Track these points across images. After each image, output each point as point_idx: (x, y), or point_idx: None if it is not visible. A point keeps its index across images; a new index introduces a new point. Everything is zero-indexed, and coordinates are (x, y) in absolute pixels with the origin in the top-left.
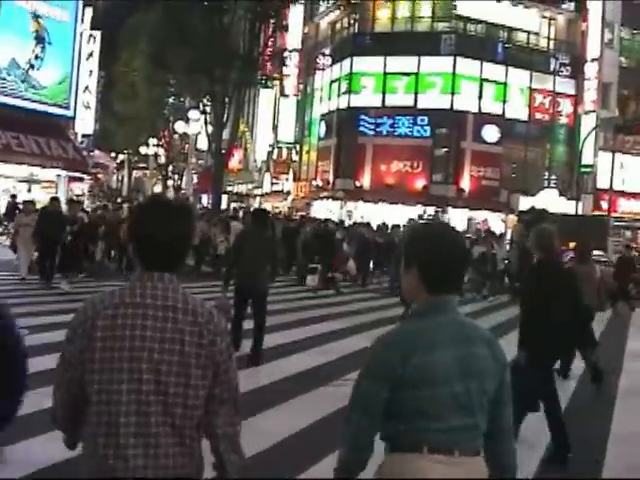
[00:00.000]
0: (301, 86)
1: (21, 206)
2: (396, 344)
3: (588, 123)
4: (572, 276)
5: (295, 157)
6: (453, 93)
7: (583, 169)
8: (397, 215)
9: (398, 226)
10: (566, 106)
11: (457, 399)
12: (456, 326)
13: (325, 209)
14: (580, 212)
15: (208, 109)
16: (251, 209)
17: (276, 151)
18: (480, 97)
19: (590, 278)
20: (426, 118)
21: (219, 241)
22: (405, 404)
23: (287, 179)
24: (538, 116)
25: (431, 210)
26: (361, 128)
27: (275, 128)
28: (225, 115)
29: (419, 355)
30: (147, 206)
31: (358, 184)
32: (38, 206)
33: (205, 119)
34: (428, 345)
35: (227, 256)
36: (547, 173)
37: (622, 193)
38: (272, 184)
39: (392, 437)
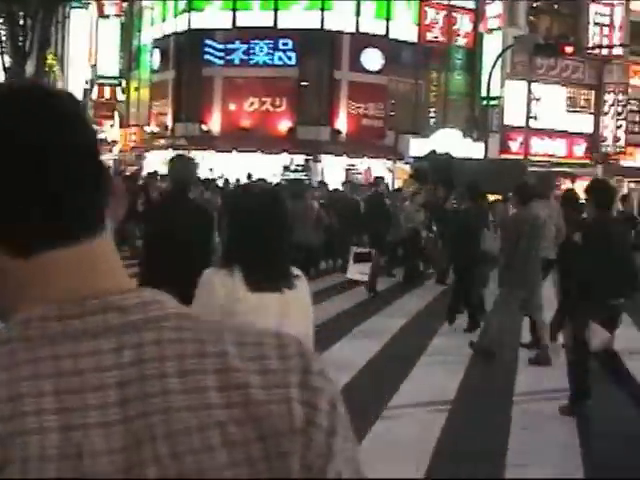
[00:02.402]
0: (125, 4)
1: None
2: None
3: (492, 44)
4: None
5: (121, 96)
6: (323, 9)
7: (487, 102)
8: (257, 166)
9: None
10: (464, 23)
11: None
12: None
13: (161, 161)
14: (488, 156)
15: (4, 35)
16: None
17: (96, 89)
18: (358, 13)
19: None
20: (290, 42)
21: None
22: None
23: (112, 125)
24: (430, 36)
25: (300, 159)
26: (206, 56)
27: (94, 60)
28: (27, 43)
29: None
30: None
31: (205, 129)
32: None
33: (0, 48)
34: None
35: None
36: (444, 108)
37: (534, 131)
38: None
39: None
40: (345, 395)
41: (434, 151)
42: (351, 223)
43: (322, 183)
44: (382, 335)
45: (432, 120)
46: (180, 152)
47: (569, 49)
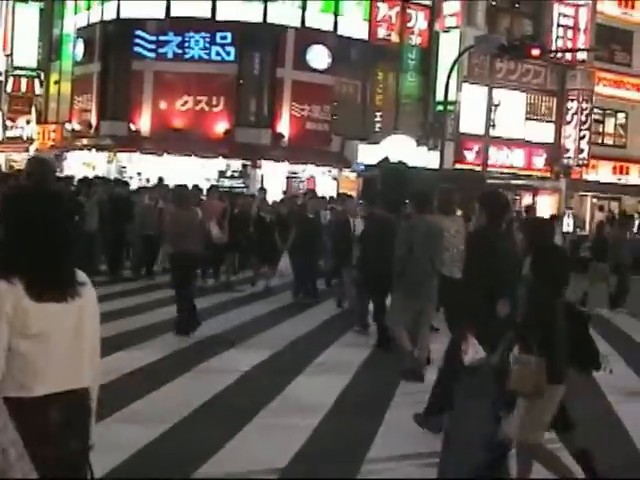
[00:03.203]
0: None
1: None
2: None
3: (448, 44)
4: None
5: (39, 90)
6: (266, 1)
7: (445, 107)
8: (190, 171)
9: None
10: (419, 20)
11: None
12: None
13: (83, 162)
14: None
15: None
16: None
17: (11, 81)
18: (304, 7)
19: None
20: (229, 35)
21: None
22: None
23: (28, 121)
24: (381, 34)
25: (238, 164)
26: (136, 49)
27: (9, 49)
28: None
29: None
30: None
31: (133, 128)
32: None
33: None
34: None
35: None
36: (395, 112)
37: (492, 140)
38: (6, 128)
39: None
40: None
41: (387, 159)
42: (312, 243)
43: (262, 190)
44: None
45: (378, 125)
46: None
47: (536, 52)
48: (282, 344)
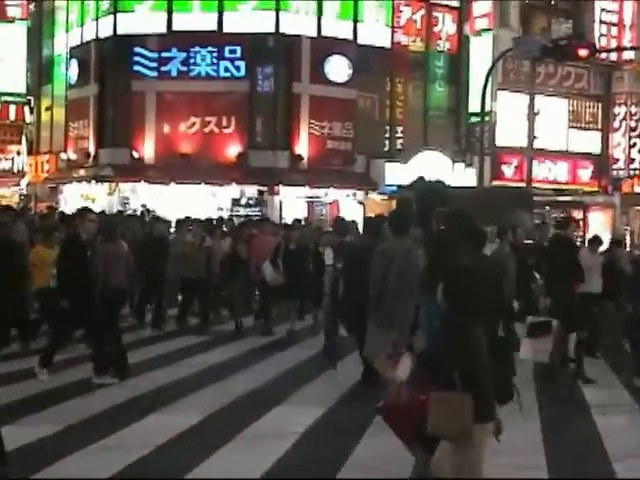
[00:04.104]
0: (32, 5)
1: None
2: None
3: (480, 49)
4: None
5: (29, 117)
6: (278, 9)
7: (482, 118)
8: (201, 200)
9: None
10: (447, 24)
11: None
12: None
13: (82, 195)
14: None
15: None
16: None
17: None
18: (320, 14)
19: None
20: (238, 49)
21: None
22: None
23: (19, 152)
24: (405, 40)
25: (253, 190)
26: (136, 67)
27: None
28: None
29: None
30: None
31: (136, 156)
32: None
33: None
34: None
35: None
36: (423, 126)
37: (533, 152)
38: None
39: None
40: None
41: (422, 178)
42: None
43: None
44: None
45: (400, 141)
46: None
47: (584, 52)
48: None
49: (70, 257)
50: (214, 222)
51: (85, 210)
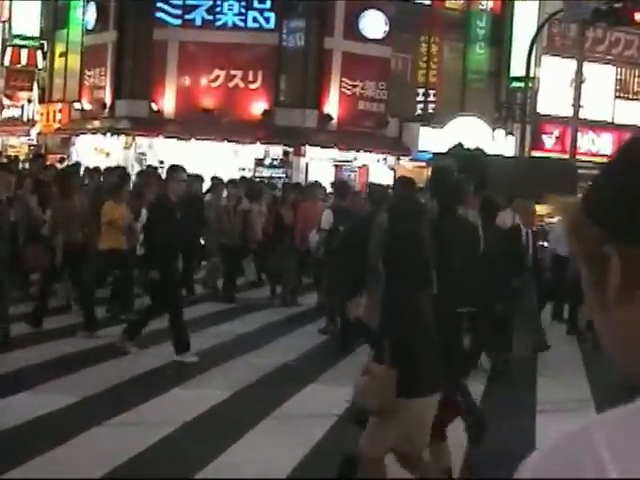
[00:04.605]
0: None
1: None
2: None
3: (525, 9)
4: None
5: (42, 63)
6: None
7: (519, 83)
8: (222, 159)
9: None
10: None
11: None
12: None
13: (95, 148)
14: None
15: None
16: None
17: (9, 52)
18: None
19: None
20: None
21: None
22: None
23: (29, 99)
24: None
25: (278, 150)
26: (159, 14)
27: (7, 14)
28: None
29: None
30: None
31: (155, 108)
32: None
33: None
34: None
35: None
36: (462, 90)
37: (578, 123)
38: (4, 107)
39: None
40: None
41: (460, 144)
42: None
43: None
44: None
45: (431, 105)
46: None
47: None
48: None
49: (159, 222)
50: (252, 183)
51: (177, 168)
